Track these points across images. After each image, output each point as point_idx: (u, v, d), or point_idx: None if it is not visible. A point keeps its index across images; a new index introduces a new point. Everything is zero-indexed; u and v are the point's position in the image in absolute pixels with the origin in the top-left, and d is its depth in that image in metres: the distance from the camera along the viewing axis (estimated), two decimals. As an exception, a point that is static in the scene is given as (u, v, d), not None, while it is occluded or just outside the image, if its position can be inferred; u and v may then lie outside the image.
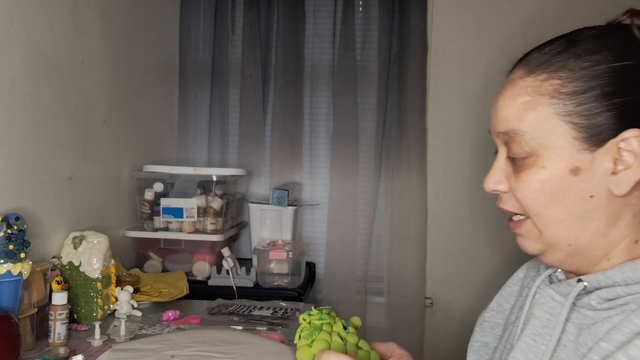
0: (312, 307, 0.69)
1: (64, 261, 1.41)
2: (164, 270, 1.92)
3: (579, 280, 0.62)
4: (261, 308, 1.58)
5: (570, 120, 0.59)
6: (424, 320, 2.39)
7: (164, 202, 1.89)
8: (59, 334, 1.21)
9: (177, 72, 2.44)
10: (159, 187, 1.92)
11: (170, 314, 1.45)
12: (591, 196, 0.59)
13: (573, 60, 0.59)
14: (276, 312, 1.54)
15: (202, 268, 1.90)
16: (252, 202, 2.17)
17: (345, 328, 0.67)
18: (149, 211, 1.93)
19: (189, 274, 1.86)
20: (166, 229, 1.92)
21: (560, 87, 0.59)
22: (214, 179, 1.95)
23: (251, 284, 1.87)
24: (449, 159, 2.41)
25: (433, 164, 2.40)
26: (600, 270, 0.60)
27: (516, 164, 0.63)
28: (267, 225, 2.15)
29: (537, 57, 0.62)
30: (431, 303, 2.42)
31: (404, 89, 2.35)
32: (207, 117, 2.45)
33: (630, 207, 0.59)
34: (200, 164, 2.44)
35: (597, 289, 0.60)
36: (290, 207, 2.13)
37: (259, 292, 1.83)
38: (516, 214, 0.65)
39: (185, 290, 1.69)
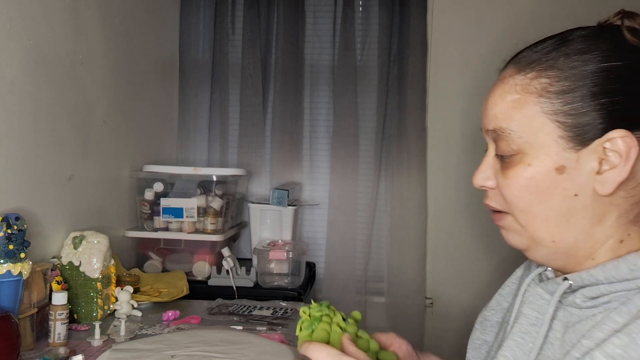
0: (312, 301, 0.70)
1: (64, 261, 1.41)
2: (164, 270, 1.92)
3: (565, 279, 0.62)
4: (261, 308, 1.58)
5: (557, 119, 0.59)
6: (424, 320, 2.39)
7: (164, 202, 1.89)
8: (59, 334, 1.21)
9: (177, 72, 2.44)
10: (159, 187, 1.92)
11: (170, 314, 1.45)
12: (576, 195, 0.59)
13: (562, 60, 0.60)
14: (276, 312, 1.55)
15: (202, 268, 1.90)
16: (252, 202, 2.17)
17: (344, 320, 0.67)
18: (149, 211, 1.93)
19: (189, 274, 1.86)
20: (166, 229, 1.92)
21: (548, 85, 0.60)
22: (214, 179, 1.95)
23: (251, 284, 1.87)
24: (449, 159, 2.40)
25: (433, 164, 2.41)
26: (585, 269, 0.61)
27: (504, 161, 0.63)
28: (267, 225, 2.15)
29: (528, 56, 0.63)
30: (431, 303, 2.42)
31: (404, 89, 2.35)
32: (207, 117, 2.46)
33: (615, 207, 0.59)
34: (200, 164, 2.44)
35: (582, 287, 0.60)
36: (290, 207, 2.13)
37: (259, 292, 1.83)
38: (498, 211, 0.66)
39: (185, 290, 1.69)
